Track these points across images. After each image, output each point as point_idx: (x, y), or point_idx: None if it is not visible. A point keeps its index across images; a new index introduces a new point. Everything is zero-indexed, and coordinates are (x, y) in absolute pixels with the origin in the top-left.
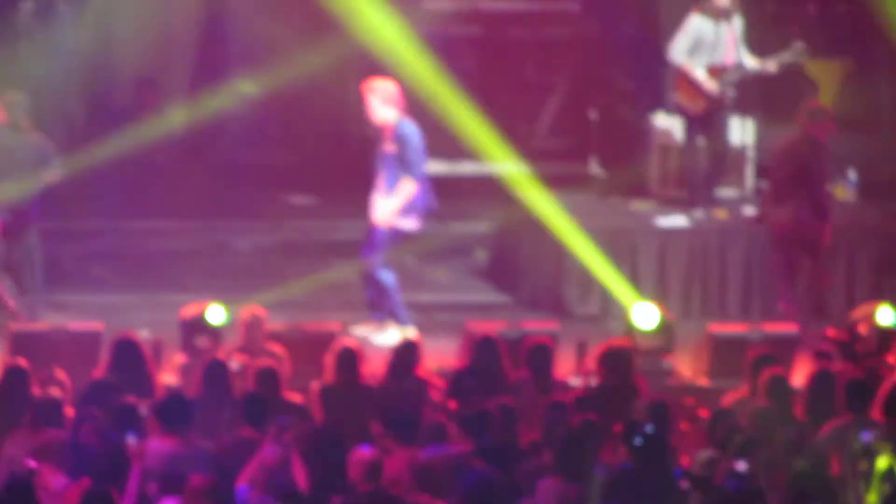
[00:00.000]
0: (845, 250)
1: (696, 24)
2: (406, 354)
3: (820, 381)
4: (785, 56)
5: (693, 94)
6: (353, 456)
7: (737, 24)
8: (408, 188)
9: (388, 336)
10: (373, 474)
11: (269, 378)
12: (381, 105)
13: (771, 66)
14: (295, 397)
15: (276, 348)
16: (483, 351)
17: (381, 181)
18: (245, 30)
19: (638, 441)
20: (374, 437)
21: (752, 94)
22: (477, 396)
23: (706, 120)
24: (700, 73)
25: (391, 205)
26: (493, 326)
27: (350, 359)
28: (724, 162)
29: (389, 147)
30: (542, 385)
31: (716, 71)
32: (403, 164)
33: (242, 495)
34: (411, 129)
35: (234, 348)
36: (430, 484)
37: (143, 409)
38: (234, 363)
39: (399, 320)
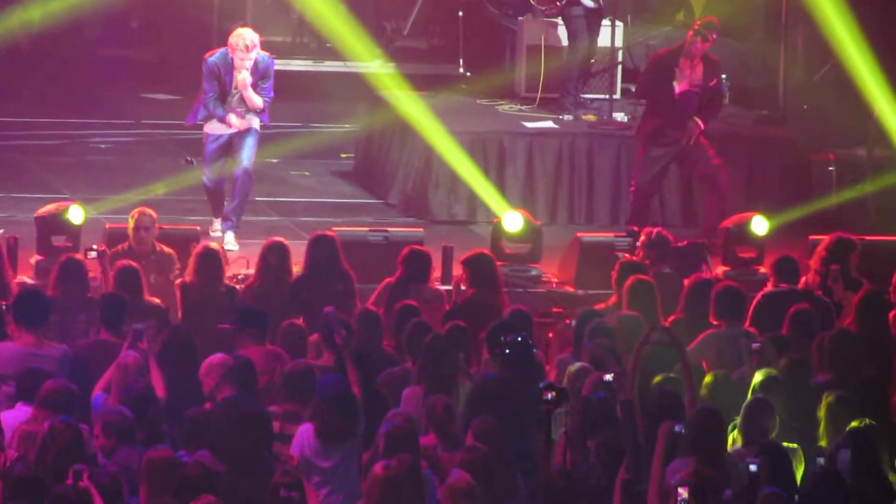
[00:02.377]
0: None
1: None
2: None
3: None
4: None
5: None
6: (205, 364)
7: None
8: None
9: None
10: (227, 379)
11: (129, 279)
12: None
13: None
14: (155, 300)
15: (167, 248)
16: (317, 250)
17: None
18: None
19: (505, 349)
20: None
21: None
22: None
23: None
24: None
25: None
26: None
27: (211, 257)
28: (591, 66)
29: None
30: (407, 290)
31: None
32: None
33: (98, 403)
34: None
35: (122, 249)
36: (294, 393)
37: None
38: (92, 253)
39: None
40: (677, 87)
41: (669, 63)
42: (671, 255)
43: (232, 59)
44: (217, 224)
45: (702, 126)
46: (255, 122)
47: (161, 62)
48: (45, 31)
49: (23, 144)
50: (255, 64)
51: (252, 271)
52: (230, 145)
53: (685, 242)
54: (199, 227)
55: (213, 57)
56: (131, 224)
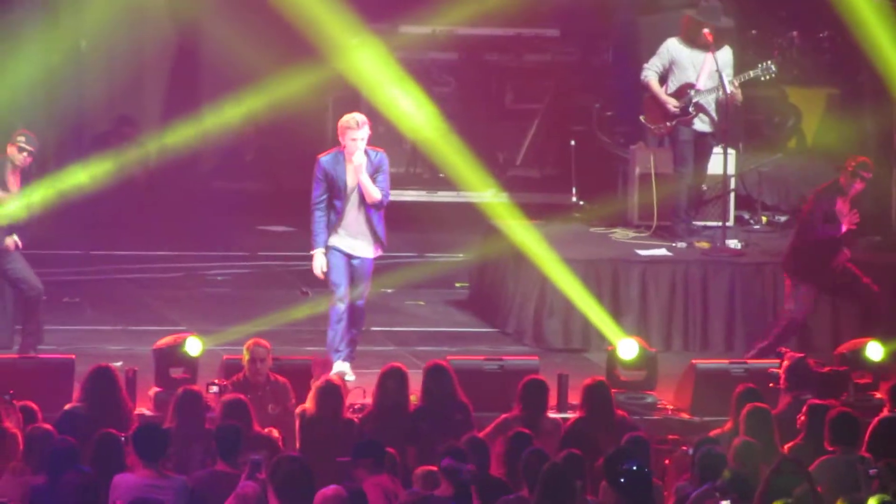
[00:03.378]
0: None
1: (670, 47)
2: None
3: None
4: (750, 73)
5: (657, 116)
6: (319, 496)
7: (724, 56)
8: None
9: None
10: None
11: (238, 411)
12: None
13: (735, 84)
14: (268, 431)
15: (281, 378)
16: (434, 380)
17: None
18: (219, 58)
19: (623, 478)
20: (348, 469)
21: (735, 124)
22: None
23: (693, 145)
24: (663, 92)
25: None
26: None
27: (332, 392)
28: (703, 192)
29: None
30: (531, 420)
31: (681, 90)
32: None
33: None
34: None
35: (237, 381)
36: None
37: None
38: (213, 387)
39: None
40: (843, 227)
41: (829, 203)
42: (813, 381)
43: (343, 156)
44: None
45: (848, 255)
46: (370, 252)
47: (275, 194)
48: (161, 165)
49: (140, 278)
50: (368, 158)
51: (369, 401)
52: (350, 266)
53: (828, 369)
54: (312, 358)
55: (325, 157)
56: (246, 356)
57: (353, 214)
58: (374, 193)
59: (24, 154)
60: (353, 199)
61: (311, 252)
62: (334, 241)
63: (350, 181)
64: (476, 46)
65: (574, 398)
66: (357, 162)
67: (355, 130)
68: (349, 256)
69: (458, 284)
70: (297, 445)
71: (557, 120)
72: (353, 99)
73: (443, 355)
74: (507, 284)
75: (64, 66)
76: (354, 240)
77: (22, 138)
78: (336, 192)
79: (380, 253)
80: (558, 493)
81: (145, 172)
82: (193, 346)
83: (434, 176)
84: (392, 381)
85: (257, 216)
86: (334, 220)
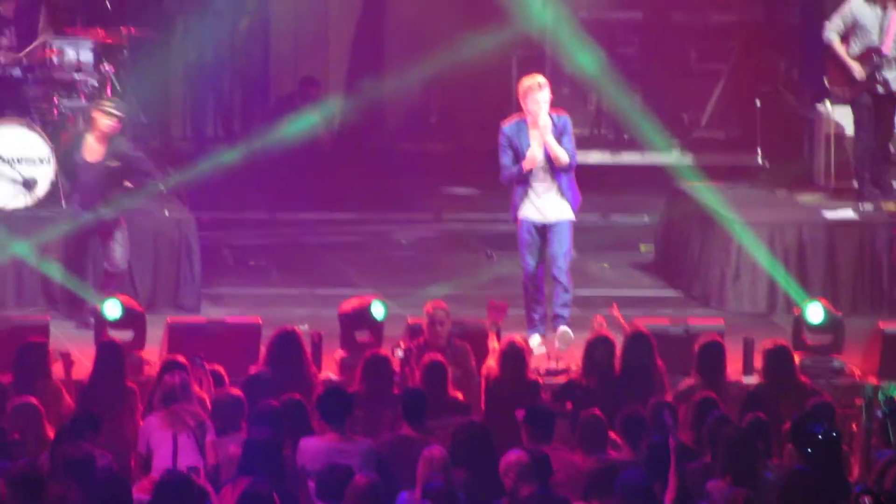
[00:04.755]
0: None
1: (854, 6)
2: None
3: None
4: None
5: (840, 78)
6: (504, 459)
7: None
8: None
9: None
10: (526, 477)
11: (437, 374)
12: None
13: None
14: (460, 395)
15: (460, 341)
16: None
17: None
18: (403, 19)
19: (811, 443)
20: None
21: None
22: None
23: (874, 109)
24: (848, 56)
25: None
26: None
27: (516, 354)
28: (890, 154)
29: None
30: (710, 384)
31: (866, 55)
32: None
33: (402, 501)
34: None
35: (418, 344)
36: (594, 489)
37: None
38: (399, 351)
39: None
40: None
41: None
42: None
43: (526, 123)
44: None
45: None
46: (567, 214)
47: (460, 155)
48: (346, 126)
49: (325, 241)
50: (552, 121)
51: (561, 365)
52: (544, 236)
53: None
54: (489, 302)
55: (508, 125)
56: (426, 319)
57: (540, 180)
58: (562, 156)
59: (113, 120)
60: (540, 165)
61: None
62: (524, 211)
63: (535, 147)
64: (660, 6)
65: (759, 362)
66: (542, 123)
67: (538, 92)
68: (542, 227)
69: (642, 247)
70: (482, 407)
71: (743, 80)
72: (537, 59)
73: (628, 319)
74: (693, 247)
75: (251, 28)
76: (545, 206)
77: (109, 103)
78: (521, 160)
79: (571, 217)
80: (741, 459)
81: (330, 134)
82: (378, 309)
83: (619, 137)
84: (599, 352)
85: (441, 178)
86: (522, 189)
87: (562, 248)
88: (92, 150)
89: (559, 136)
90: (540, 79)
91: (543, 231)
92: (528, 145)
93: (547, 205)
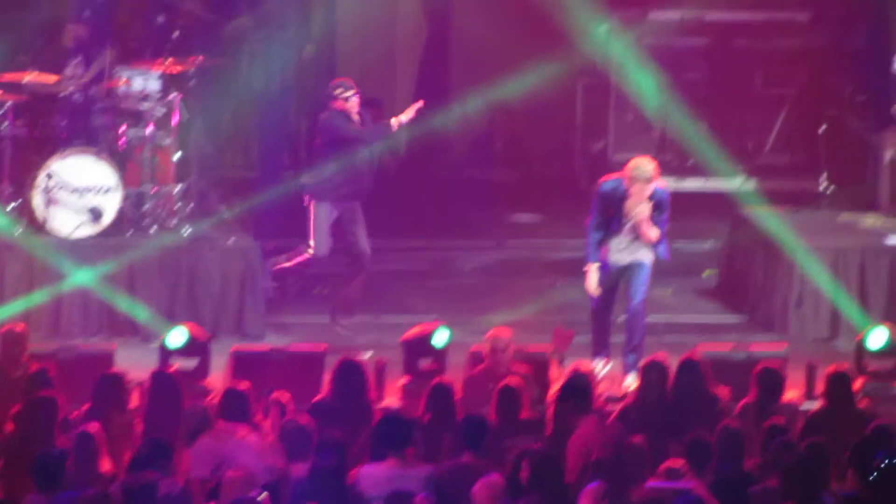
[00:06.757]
0: None
1: None
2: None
3: None
4: None
5: None
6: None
7: None
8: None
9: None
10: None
11: (510, 398)
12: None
13: None
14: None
15: (523, 368)
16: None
17: None
18: (469, 45)
19: (874, 471)
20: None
21: None
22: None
23: None
24: None
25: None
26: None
27: (581, 382)
28: None
29: None
30: (765, 409)
31: None
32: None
33: None
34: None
35: (480, 371)
36: None
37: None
38: None
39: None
40: None
41: None
42: None
43: (626, 189)
44: (599, 363)
45: None
46: (647, 257)
47: (525, 182)
48: (411, 153)
49: (389, 268)
50: (650, 196)
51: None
52: (622, 273)
53: None
54: (555, 330)
55: (607, 184)
56: (488, 345)
57: (628, 235)
58: (651, 236)
59: (353, 98)
60: (629, 225)
61: (585, 268)
62: (606, 256)
63: (629, 210)
64: (725, 32)
65: (821, 387)
66: (640, 212)
67: (645, 185)
68: (620, 269)
69: (705, 273)
70: (547, 433)
71: (808, 105)
72: (601, 86)
73: (691, 344)
74: (756, 272)
75: (317, 54)
76: (628, 248)
77: (340, 89)
78: (608, 221)
79: (651, 258)
80: (802, 484)
81: (395, 160)
82: (441, 337)
83: (682, 163)
84: (654, 374)
85: (506, 205)
86: (608, 237)
87: (635, 291)
88: None
89: (654, 209)
90: (650, 171)
91: (621, 270)
92: (623, 209)
93: (629, 246)
